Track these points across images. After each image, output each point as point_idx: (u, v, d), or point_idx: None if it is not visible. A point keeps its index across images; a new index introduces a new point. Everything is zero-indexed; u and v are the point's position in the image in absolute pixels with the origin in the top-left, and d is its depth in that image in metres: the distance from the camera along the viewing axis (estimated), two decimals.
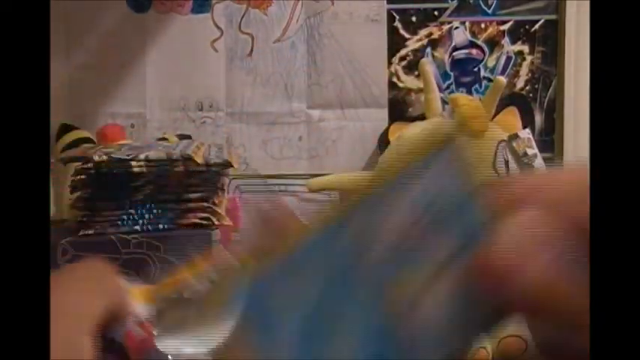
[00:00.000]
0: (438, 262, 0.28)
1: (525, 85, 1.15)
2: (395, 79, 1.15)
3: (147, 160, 0.81)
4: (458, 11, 1.15)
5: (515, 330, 0.71)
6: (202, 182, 0.84)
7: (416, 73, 1.13)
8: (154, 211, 0.82)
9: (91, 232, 0.80)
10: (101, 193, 0.81)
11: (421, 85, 1.09)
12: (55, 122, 1.08)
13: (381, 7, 1.13)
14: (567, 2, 1.11)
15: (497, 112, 1.05)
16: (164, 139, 1.08)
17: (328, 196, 1.14)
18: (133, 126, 1.15)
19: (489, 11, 1.14)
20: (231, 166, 0.87)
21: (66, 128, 1.08)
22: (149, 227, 0.81)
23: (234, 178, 1.14)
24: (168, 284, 0.34)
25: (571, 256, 0.25)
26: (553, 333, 0.27)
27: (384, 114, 1.14)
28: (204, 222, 0.83)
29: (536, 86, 1.15)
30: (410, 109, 1.16)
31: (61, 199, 0.99)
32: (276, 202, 0.29)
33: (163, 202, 0.82)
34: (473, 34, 1.15)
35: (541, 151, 1.02)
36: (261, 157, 1.16)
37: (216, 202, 0.85)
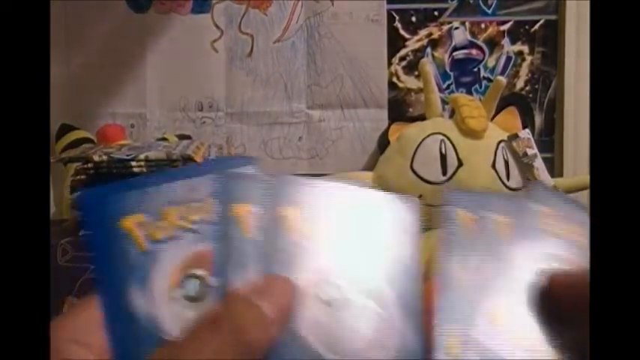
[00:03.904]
0: None
1: (525, 85, 1.15)
2: (395, 79, 1.15)
3: (147, 160, 0.81)
4: (458, 11, 1.15)
5: None
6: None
7: (416, 73, 1.13)
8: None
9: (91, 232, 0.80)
10: None
11: (421, 85, 1.09)
12: (55, 122, 1.08)
13: (381, 7, 1.13)
14: (567, 2, 1.11)
15: (497, 112, 1.05)
16: (164, 139, 1.07)
17: None
18: (133, 126, 1.15)
19: (489, 11, 1.14)
20: None
21: (66, 128, 1.08)
22: None
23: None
24: None
25: None
26: None
27: (384, 114, 1.14)
28: None
29: (536, 86, 1.15)
30: (410, 109, 1.16)
31: (61, 199, 0.99)
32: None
33: None
34: (473, 34, 1.15)
35: (541, 151, 1.02)
36: (261, 157, 1.16)
37: None
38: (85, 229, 0.28)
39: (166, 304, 0.27)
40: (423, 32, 1.15)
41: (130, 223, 0.28)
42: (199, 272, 0.28)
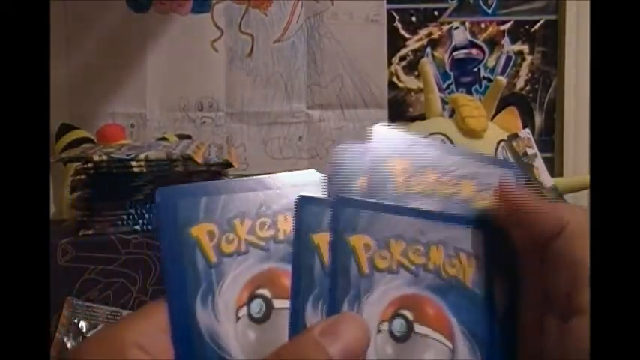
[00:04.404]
0: None
1: (525, 85, 1.15)
2: (395, 79, 1.15)
3: (147, 160, 0.81)
4: (458, 11, 1.15)
5: None
6: (202, 182, 0.84)
7: (416, 73, 1.13)
8: (154, 211, 0.82)
9: (91, 232, 0.80)
10: (101, 193, 0.81)
11: (421, 85, 1.09)
12: (55, 122, 1.08)
13: (381, 7, 1.13)
14: (567, 2, 1.11)
15: (497, 112, 1.05)
16: (164, 139, 1.07)
17: None
18: (133, 126, 1.14)
19: (489, 11, 1.14)
20: (231, 166, 0.87)
21: (66, 128, 1.08)
22: (149, 227, 0.81)
23: (234, 178, 1.14)
24: None
25: None
26: None
27: (384, 114, 1.14)
28: None
29: (536, 86, 1.15)
30: (410, 109, 1.16)
31: (61, 199, 0.99)
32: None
33: None
34: (473, 34, 1.15)
35: (541, 151, 1.02)
36: (261, 157, 1.16)
37: None
38: (157, 229, 0.27)
39: (231, 322, 0.26)
40: (423, 32, 1.15)
41: (201, 231, 0.27)
42: (265, 293, 0.27)
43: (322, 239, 0.27)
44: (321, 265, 0.27)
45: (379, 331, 0.27)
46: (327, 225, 0.27)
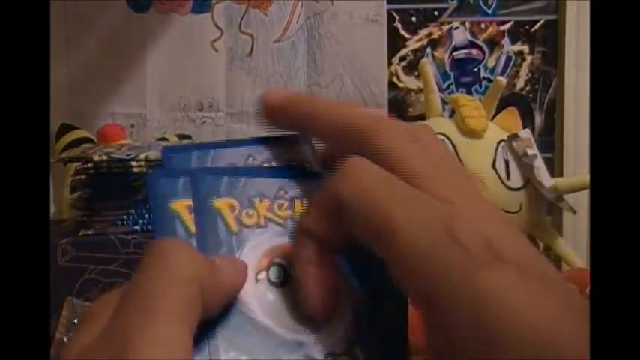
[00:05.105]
0: None
1: (525, 85, 1.15)
2: (395, 79, 1.15)
3: (147, 160, 0.81)
4: (458, 11, 1.15)
5: None
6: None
7: (416, 73, 1.13)
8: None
9: (91, 232, 0.80)
10: (101, 193, 0.81)
11: (421, 85, 1.09)
12: (55, 122, 1.08)
13: (381, 7, 1.13)
14: (567, 2, 1.11)
15: (497, 112, 1.05)
16: (164, 139, 1.07)
17: None
18: (133, 126, 1.15)
19: (489, 11, 1.14)
20: None
21: (66, 128, 1.08)
22: (149, 227, 0.81)
23: None
24: None
25: None
26: None
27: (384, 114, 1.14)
28: None
29: (536, 86, 1.15)
30: (410, 109, 1.16)
31: (61, 199, 0.99)
32: None
33: None
34: (473, 34, 1.15)
35: (541, 151, 1.02)
36: None
37: None
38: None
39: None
40: (423, 32, 1.15)
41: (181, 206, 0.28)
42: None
43: (181, 206, 0.29)
44: (185, 230, 0.28)
45: (257, 280, 0.28)
46: (182, 193, 0.29)
